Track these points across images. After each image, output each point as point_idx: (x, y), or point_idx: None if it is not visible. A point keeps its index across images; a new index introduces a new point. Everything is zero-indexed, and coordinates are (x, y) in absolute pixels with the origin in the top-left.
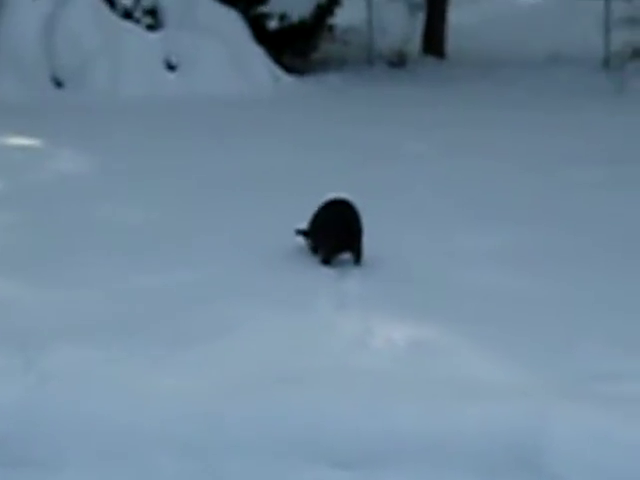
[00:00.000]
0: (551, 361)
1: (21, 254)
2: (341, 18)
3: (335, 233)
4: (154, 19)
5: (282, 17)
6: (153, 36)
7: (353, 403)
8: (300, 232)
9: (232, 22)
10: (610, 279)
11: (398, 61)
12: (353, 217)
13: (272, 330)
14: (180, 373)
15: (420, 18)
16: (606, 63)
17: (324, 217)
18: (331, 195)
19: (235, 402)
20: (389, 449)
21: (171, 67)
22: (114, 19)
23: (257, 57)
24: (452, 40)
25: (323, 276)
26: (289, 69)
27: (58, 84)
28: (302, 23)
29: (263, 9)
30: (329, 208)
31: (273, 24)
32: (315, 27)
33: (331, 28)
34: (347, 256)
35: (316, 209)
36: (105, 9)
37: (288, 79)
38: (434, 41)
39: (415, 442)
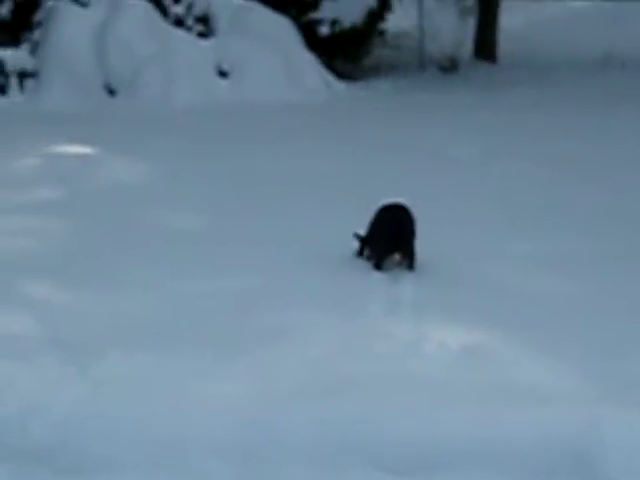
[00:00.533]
0: (603, 366)
1: (75, 261)
2: (392, 23)
3: (386, 237)
4: (206, 26)
5: (334, 23)
6: (205, 43)
7: (406, 409)
8: (358, 237)
9: (284, 28)
10: None
11: (449, 66)
12: (404, 220)
13: (325, 336)
14: (232, 380)
15: (471, 23)
16: None
17: (378, 222)
18: (386, 200)
19: (288, 409)
20: (442, 455)
21: (223, 74)
22: (166, 27)
23: (309, 63)
24: (503, 44)
25: (376, 281)
26: (341, 75)
27: (111, 92)
28: (353, 29)
29: (315, 15)
30: (383, 213)
31: (325, 30)
32: (366, 32)
33: (382, 33)
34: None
35: (373, 214)
36: (157, 17)
37: (340, 85)
38: (485, 45)
39: (468, 448)
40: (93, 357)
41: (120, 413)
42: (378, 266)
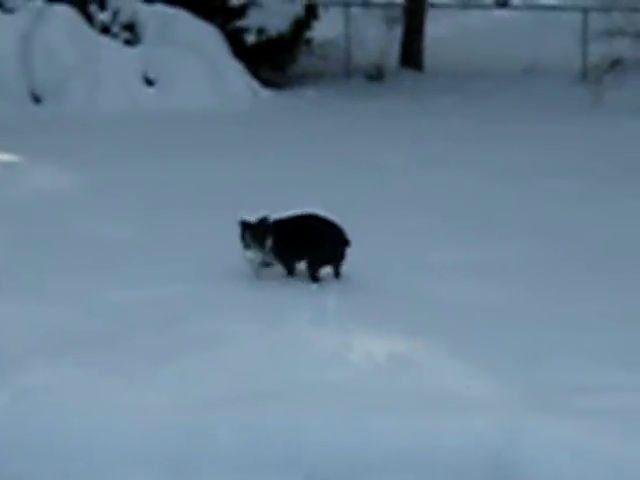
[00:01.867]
0: (526, 374)
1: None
2: (319, 32)
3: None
4: (132, 34)
5: (260, 31)
6: (131, 51)
7: (330, 417)
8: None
9: (210, 37)
10: (584, 293)
11: (376, 74)
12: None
13: (251, 345)
14: (156, 388)
15: (397, 31)
16: (583, 75)
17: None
18: (300, 209)
19: (211, 416)
20: (365, 462)
21: (149, 82)
22: (92, 34)
23: (235, 71)
24: (429, 53)
25: (302, 290)
26: (267, 83)
27: (36, 99)
28: (280, 37)
29: (241, 23)
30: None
31: (251, 38)
32: (293, 41)
33: (309, 42)
34: (327, 270)
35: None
36: (83, 24)
37: (266, 93)
38: (411, 54)
39: (391, 455)
40: (16, 366)
41: (40, 423)
42: (316, 278)
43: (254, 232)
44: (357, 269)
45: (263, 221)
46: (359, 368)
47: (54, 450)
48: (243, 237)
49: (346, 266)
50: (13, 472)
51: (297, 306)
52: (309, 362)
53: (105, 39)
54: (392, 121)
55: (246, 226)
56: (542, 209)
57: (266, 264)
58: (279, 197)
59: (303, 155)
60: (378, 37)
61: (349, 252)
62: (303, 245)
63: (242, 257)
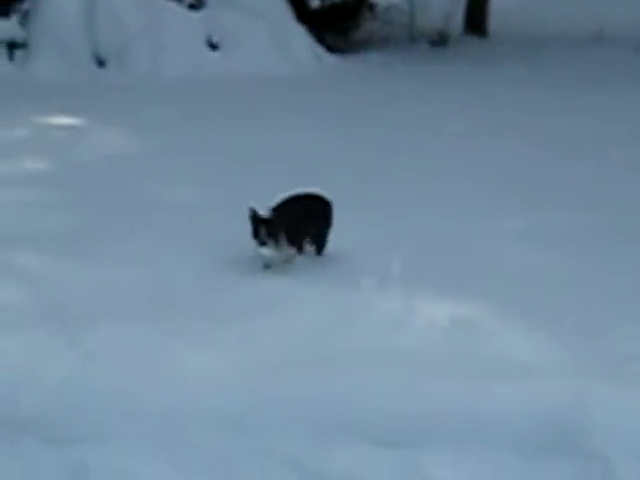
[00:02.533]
0: (589, 341)
1: (66, 233)
2: None
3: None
4: None
5: None
6: (195, 15)
7: (394, 382)
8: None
9: (274, 1)
10: None
11: (440, 40)
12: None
13: (315, 308)
14: (222, 351)
15: None
16: None
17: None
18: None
19: (277, 380)
20: (430, 428)
21: (213, 46)
22: None
23: (299, 36)
24: (494, 19)
25: (366, 256)
26: (331, 48)
27: (100, 63)
28: (344, 2)
29: None
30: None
31: (315, 3)
32: (357, 6)
33: (372, 7)
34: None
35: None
36: None
37: (330, 58)
38: (476, 20)
39: (456, 421)
40: (83, 328)
41: (109, 384)
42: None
43: (270, 227)
44: (421, 234)
45: (275, 215)
46: (422, 332)
47: (121, 411)
48: (257, 234)
49: (409, 232)
50: (80, 433)
51: (361, 271)
52: (372, 326)
53: (169, 3)
54: (455, 88)
55: (261, 221)
56: (608, 180)
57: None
58: (341, 162)
59: (366, 121)
60: (442, 2)
61: (415, 217)
62: (309, 222)
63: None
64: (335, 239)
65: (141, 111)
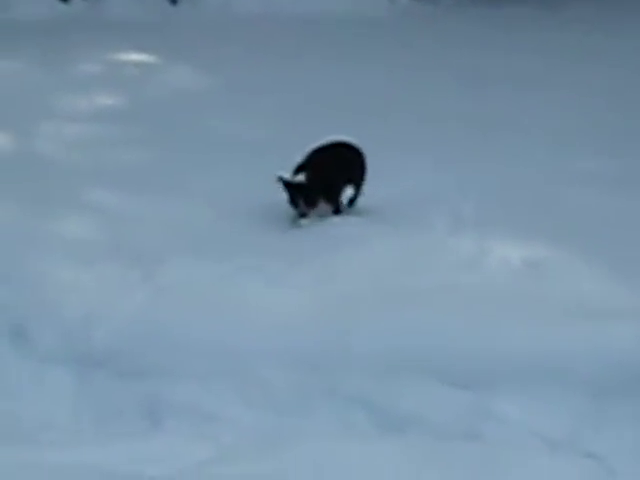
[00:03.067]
0: None
1: (137, 168)
2: None
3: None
4: None
5: None
6: None
7: (467, 322)
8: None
9: None
10: None
11: None
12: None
13: (388, 248)
14: (295, 289)
15: None
16: None
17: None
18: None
19: (351, 319)
20: (501, 370)
21: None
22: None
23: None
24: None
25: (440, 197)
26: None
27: (172, 1)
28: None
29: None
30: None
31: None
32: None
33: None
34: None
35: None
36: None
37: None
38: None
39: (528, 363)
40: (156, 264)
41: (182, 320)
42: (338, 211)
43: (308, 194)
44: (492, 177)
45: (309, 179)
46: (494, 273)
47: (193, 346)
48: (295, 203)
49: (480, 174)
50: (151, 366)
51: (434, 211)
52: (445, 266)
53: None
54: (528, 32)
55: (296, 188)
56: None
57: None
58: (408, 106)
59: (436, 65)
60: None
61: (485, 160)
62: (344, 175)
63: (292, 220)
64: (406, 180)
65: (213, 48)
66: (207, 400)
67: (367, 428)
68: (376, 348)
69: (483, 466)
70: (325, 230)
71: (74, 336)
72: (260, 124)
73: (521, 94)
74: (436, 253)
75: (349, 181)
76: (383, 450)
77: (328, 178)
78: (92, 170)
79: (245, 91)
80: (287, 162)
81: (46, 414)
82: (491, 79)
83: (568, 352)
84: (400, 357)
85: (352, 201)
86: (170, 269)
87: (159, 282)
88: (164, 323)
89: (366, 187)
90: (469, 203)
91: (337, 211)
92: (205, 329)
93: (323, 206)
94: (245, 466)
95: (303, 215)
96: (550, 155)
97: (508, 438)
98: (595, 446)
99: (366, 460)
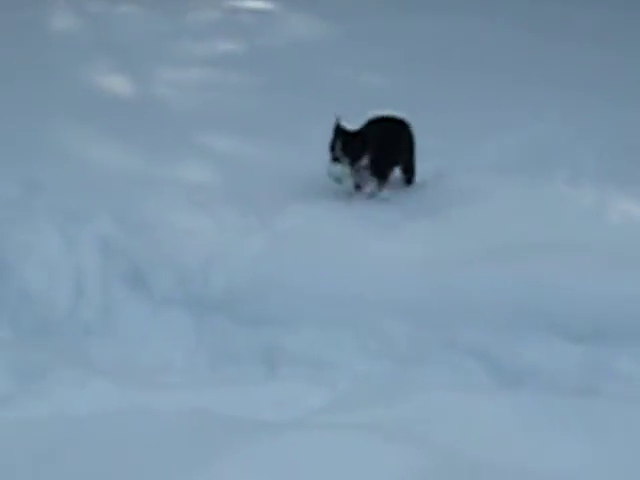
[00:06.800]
0: None
1: (253, 115)
2: None
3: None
4: None
5: None
6: None
7: (587, 276)
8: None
9: None
10: None
11: None
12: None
13: (508, 201)
14: (412, 240)
15: None
16: None
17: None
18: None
19: (467, 270)
20: (622, 325)
21: None
22: None
23: None
24: None
25: (558, 148)
26: None
27: None
28: None
29: None
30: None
31: None
32: None
33: None
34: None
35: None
36: None
37: None
38: None
39: None
40: (272, 210)
41: (300, 268)
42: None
43: (351, 142)
44: (612, 128)
45: (361, 132)
46: (616, 228)
47: (311, 293)
48: (333, 147)
49: (601, 126)
50: (269, 312)
51: (555, 164)
52: (565, 219)
53: None
54: None
55: (342, 133)
56: None
57: (357, 186)
58: (539, 59)
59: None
60: None
61: (605, 110)
62: (396, 148)
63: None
64: (527, 131)
65: None
66: (324, 348)
67: (484, 381)
68: (495, 301)
69: (602, 422)
70: (441, 183)
71: (192, 280)
72: (381, 74)
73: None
74: (557, 206)
75: (402, 155)
76: (500, 403)
77: (379, 146)
78: (209, 116)
79: (365, 40)
80: (405, 112)
81: (163, 357)
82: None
83: None
84: (520, 310)
85: (409, 178)
86: (287, 215)
87: (277, 228)
88: (282, 270)
89: (486, 139)
90: (591, 154)
91: (409, 181)
92: (324, 277)
93: (367, 177)
94: (361, 415)
95: (336, 159)
96: None
97: (628, 394)
98: None
99: (482, 413)
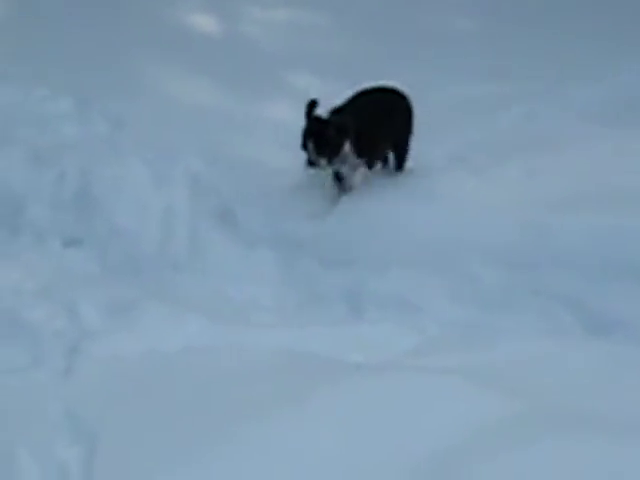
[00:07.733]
0: None
1: (341, 57)
2: None
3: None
4: None
5: None
6: None
7: None
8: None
9: None
10: None
11: None
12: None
13: (595, 148)
14: (505, 184)
15: None
16: None
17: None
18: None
19: (559, 217)
20: None
21: None
22: None
23: None
24: None
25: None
26: None
27: None
28: None
29: None
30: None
31: None
32: None
33: None
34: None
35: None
36: None
37: None
38: None
39: None
40: None
41: (389, 210)
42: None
43: (325, 138)
44: None
45: (336, 120)
46: None
47: (398, 236)
48: (305, 145)
49: None
50: (358, 254)
51: None
52: None
53: None
54: None
55: (314, 128)
56: None
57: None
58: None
59: None
60: None
61: None
62: (388, 125)
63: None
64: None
65: None
66: (412, 292)
67: (572, 329)
68: (586, 250)
69: None
70: (530, 128)
71: (281, 220)
72: (470, 18)
73: None
74: None
75: (392, 133)
76: (589, 352)
77: (363, 124)
78: (297, 56)
79: None
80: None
81: (252, 295)
82: None
83: None
84: (611, 260)
85: (399, 161)
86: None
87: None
88: (368, 213)
89: (577, 88)
90: None
91: (399, 165)
92: (413, 220)
93: (353, 160)
94: (448, 358)
95: (311, 164)
96: None
97: None
98: None
99: (570, 361)
